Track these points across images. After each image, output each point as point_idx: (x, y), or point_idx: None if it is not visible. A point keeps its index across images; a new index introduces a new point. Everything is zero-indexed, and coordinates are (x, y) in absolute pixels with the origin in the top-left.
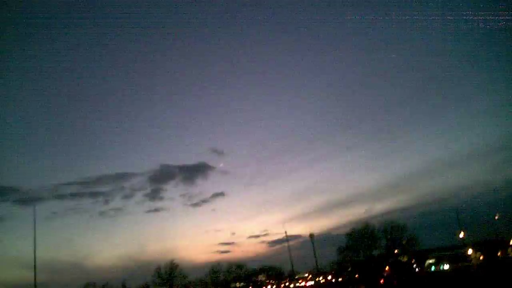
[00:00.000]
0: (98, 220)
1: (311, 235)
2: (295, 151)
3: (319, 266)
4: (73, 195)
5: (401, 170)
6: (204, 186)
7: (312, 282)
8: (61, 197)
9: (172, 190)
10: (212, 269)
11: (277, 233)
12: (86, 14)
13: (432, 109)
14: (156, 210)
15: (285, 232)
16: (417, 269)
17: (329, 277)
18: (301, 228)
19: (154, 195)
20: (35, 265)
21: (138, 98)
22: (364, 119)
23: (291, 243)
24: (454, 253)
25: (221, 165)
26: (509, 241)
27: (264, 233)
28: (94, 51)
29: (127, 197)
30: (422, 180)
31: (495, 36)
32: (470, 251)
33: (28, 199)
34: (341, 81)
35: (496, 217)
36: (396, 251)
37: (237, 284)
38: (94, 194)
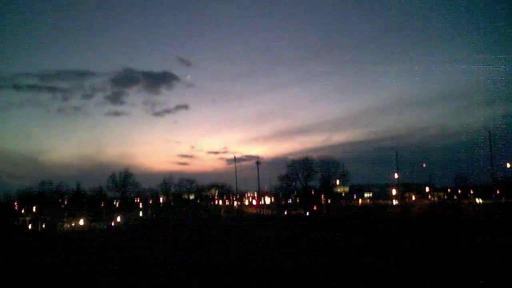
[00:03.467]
0: (56, 116)
1: (258, 162)
2: (263, 73)
3: (266, 189)
4: (31, 87)
5: (364, 105)
6: (168, 96)
7: (254, 202)
8: (18, 87)
9: (135, 96)
10: (164, 181)
11: (236, 152)
12: None
13: (401, 49)
14: (117, 114)
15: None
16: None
17: (269, 200)
18: (260, 150)
19: (115, 98)
20: None
21: None
22: (334, 50)
23: (248, 163)
24: (382, 191)
25: (188, 77)
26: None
27: (224, 150)
28: None
29: (87, 96)
30: (382, 116)
31: None
32: (394, 192)
33: None
34: (318, 9)
35: (424, 165)
36: (337, 182)
37: (188, 196)
38: (52, 89)
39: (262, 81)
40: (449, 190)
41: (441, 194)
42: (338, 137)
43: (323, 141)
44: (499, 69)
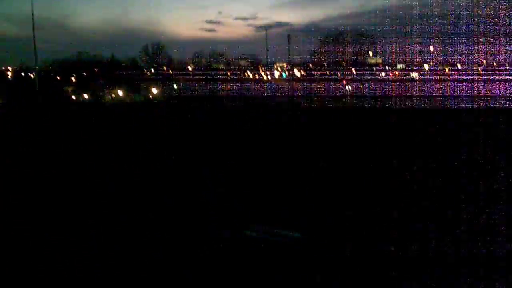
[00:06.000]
0: None
1: (288, 35)
2: None
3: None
4: None
5: None
6: None
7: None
8: None
9: None
10: (195, 53)
11: (266, 18)
12: None
13: None
14: None
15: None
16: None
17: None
18: (292, 16)
19: None
20: (33, 22)
21: None
22: None
23: (279, 30)
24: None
25: None
26: None
27: (253, 16)
28: None
29: None
30: None
31: None
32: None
33: None
34: None
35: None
36: (370, 54)
37: (219, 66)
38: None
39: None
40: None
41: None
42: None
43: (360, 7)
44: None
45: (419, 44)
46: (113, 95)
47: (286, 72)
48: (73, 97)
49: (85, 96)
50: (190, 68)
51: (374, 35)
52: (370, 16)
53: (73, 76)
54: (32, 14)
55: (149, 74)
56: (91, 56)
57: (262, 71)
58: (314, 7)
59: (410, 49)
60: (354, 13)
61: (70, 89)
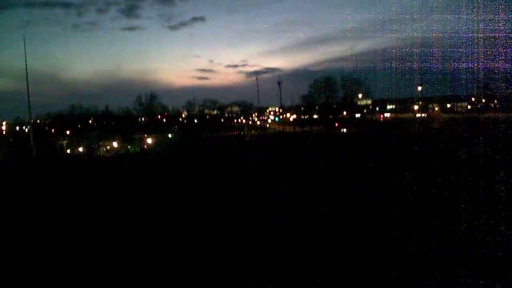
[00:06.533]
0: (72, 33)
1: (279, 82)
2: None
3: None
4: (44, 4)
5: (388, 11)
6: (183, 7)
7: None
8: (31, 5)
9: (149, 8)
10: (189, 102)
11: (256, 64)
12: None
13: None
14: (132, 28)
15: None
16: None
17: (292, 116)
18: (281, 62)
19: (130, 12)
20: (27, 77)
21: None
22: None
23: (268, 75)
24: (404, 104)
25: None
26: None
27: (243, 63)
28: None
29: (101, 11)
30: (409, 22)
31: None
32: (415, 107)
33: None
34: None
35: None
36: (360, 95)
37: (212, 112)
38: (66, 5)
39: None
40: (473, 99)
41: (463, 104)
42: (361, 46)
43: (345, 51)
44: None
45: (407, 83)
46: (108, 147)
47: (279, 116)
48: (68, 151)
49: (80, 149)
50: (184, 115)
51: (362, 77)
52: (356, 60)
53: (67, 129)
54: (26, 70)
55: (143, 123)
56: (85, 109)
57: (255, 116)
58: (301, 52)
59: (399, 89)
60: (341, 57)
61: (64, 143)
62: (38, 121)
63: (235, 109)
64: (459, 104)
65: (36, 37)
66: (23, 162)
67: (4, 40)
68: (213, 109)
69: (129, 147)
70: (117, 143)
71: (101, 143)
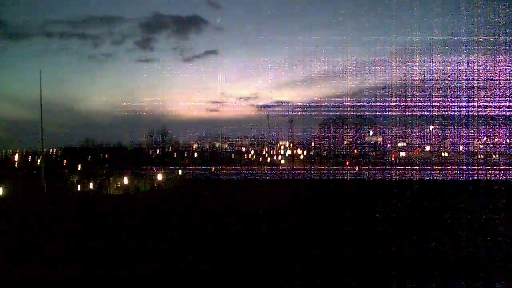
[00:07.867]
0: (88, 63)
1: (290, 120)
2: (294, 14)
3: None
4: (62, 35)
5: (398, 46)
6: (197, 41)
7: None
8: (49, 35)
9: (164, 41)
10: (200, 137)
11: (267, 97)
12: None
13: None
14: (147, 60)
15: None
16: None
17: (302, 153)
18: (292, 96)
19: (145, 44)
20: (41, 106)
21: None
22: None
23: (279, 109)
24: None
25: (219, 20)
26: None
27: (254, 96)
28: None
29: (117, 43)
30: (421, 55)
31: None
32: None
33: (16, 34)
34: None
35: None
36: (370, 132)
37: (222, 145)
38: (82, 36)
39: (294, 23)
40: None
41: None
42: (372, 80)
43: (357, 85)
44: None
45: (419, 124)
46: (119, 184)
47: (289, 151)
48: (79, 187)
49: (90, 186)
50: (194, 148)
51: (373, 114)
52: (368, 95)
53: (79, 162)
54: (41, 100)
55: (154, 156)
56: (97, 144)
57: (266, 151)
58: (312, 86)
59: (410, 128)
60: (353, 92)
61: (75, 179)
62: (50, 150)
63: (245, 143)
64: None
65: (52, 67)
66: (35, 203)
67: (21, 70)
68: (224, 143)
69: (139, 185)
70: (127, 180)
71: (111, 180)
